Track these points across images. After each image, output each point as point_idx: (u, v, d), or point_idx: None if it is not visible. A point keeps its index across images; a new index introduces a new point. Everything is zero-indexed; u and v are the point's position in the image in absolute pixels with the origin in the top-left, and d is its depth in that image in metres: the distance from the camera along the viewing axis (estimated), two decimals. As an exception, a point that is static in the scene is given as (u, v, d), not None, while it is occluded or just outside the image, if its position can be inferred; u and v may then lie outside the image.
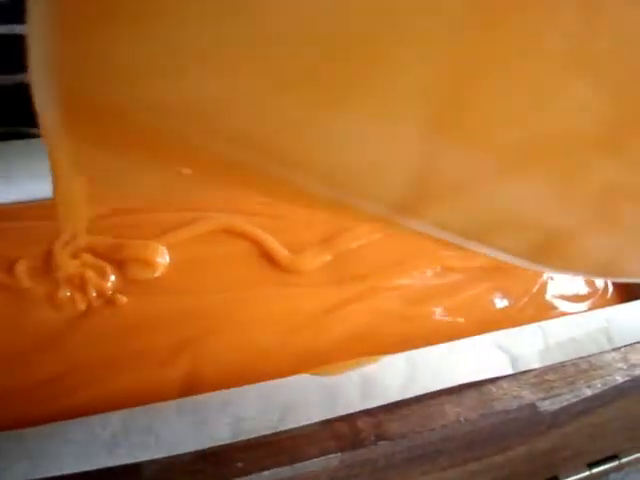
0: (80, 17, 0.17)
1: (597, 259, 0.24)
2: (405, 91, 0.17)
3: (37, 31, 0.17)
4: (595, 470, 0.45)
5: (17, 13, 0.37)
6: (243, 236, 0.38)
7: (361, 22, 0.16)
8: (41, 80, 0.18)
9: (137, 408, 0.31)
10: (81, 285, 0.34)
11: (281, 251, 0.37)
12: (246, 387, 0.32)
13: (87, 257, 0.35)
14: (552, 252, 0.23)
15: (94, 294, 0.34)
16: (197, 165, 0.22)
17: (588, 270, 0.26)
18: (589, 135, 0.18)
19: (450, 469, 0.38)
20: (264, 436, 0.31)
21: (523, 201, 0.21)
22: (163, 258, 0.36)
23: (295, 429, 0.32)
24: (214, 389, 0.32)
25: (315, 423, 0.32)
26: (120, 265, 0.35)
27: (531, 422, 0.36)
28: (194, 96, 0.18)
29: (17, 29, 0.45)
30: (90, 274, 0.34)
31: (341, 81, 0.17)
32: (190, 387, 0.32)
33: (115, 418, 0.30)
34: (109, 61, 0.18)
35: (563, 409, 0.36)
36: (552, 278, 0.42)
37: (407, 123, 0.18)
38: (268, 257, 0.38)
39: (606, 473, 0.45)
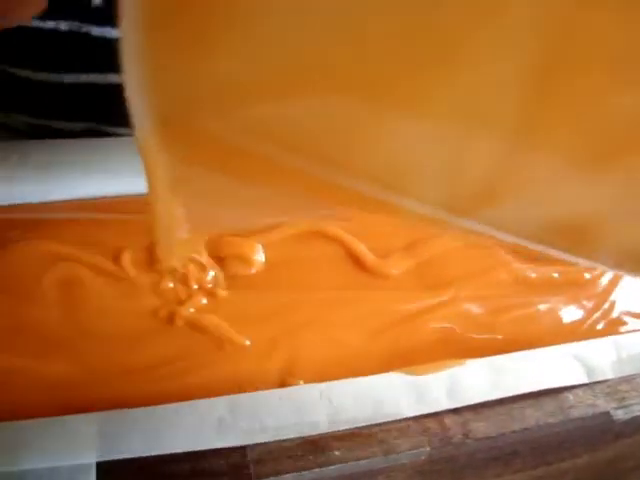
0: (173, 39, 0.17)
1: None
2: (486, 89, 0.17)
3: (132, 50, 0.17)
4: (659, 482, 0.46)
5: (110, 15, 0.38)
6: (333, 239, 0.40)
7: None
8: (136, 99, 0.18)
9: (242, 395, 0.33)
10: (183, 278, 0.36)
11: (369, 255, 0.40)
12: (342, 381, 0.34)
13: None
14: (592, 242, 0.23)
15: (195, 287, 0.36)
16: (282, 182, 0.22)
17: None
18: None
19: (520, 473, 0.40)
20: (359, 428, 0.33)
21: (586, 202, 0.21)
22: (260, 256, 0.38)
23: (388, 423, 0.33)
24: (308, 382, 0.34)
25: (406, 418, 0.34)
26: (220, 260, 0.38)
27: (602, 430, 0.38)
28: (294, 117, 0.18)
29: (111, 32, 0.47)
30: (192, 267, 0.36)
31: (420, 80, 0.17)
32: (286, 378, 0.34)
33: (222, 403, 0.32)
34: (201, 84, 0.18)
35: (634, 419, 0.37)
36: (621, 295, 0.43)
37: (488, 126, 0.18)
38: (356, 260, 0.40)
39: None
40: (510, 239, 0.23)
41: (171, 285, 0.36)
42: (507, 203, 0.22)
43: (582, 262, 0.24)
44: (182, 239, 0.25)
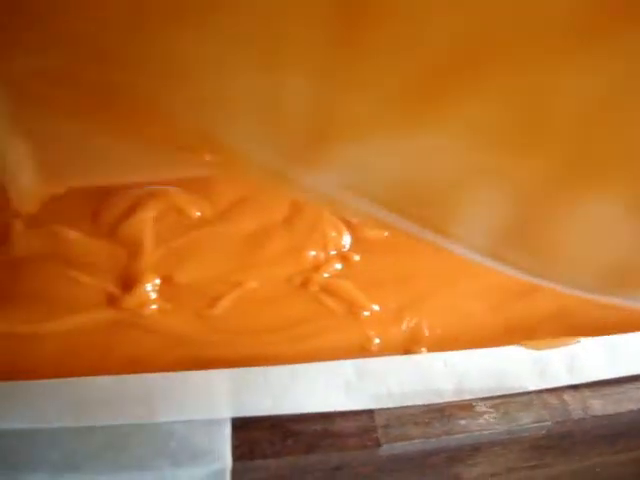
0: None
1: None
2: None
3: None
4: None
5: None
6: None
7: None
8: None
9: (369, 359, 0.33)
10: (323, 242, 0.36)
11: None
12: (466, 351, 0.34)
13: (327, 215, 0.37)
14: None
15: (333, 252, 0.36)
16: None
17: None
18: None
19: (621, 453, 0.40)
20: (482, 399, 0.33)
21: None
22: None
23: (511, 395, 0.33)
24: (433, 349, 0.34)
25: (528, 392, 0.34)
26: (350, 223, 0.38)
27: None
28: None
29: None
30: (331, 232, 0.36)
31: None
32: (410, 346, 0.34)
33: (350, 365, 0.32)
34: None
35: None
36: None
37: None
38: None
39: None
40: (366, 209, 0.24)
41: (313, 253, 0.36)
42: (337, 147, 0.22)
43: None
44: (33, 187, 0.25)
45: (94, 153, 0.25)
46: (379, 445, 0.30)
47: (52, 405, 0.29)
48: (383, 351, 0.34)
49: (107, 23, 0.19)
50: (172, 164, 0.27)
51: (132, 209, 0.37)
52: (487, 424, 0.32)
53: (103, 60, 0.20)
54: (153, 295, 0.34)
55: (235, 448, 0.29)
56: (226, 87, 0.20)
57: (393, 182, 0.22)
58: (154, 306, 0.34)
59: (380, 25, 0.18)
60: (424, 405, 0.32)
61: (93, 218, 0.37)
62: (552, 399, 0.34)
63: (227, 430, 0.30)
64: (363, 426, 0.31)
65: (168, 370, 0.31)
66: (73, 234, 0.36)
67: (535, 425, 0.33)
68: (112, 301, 0.34)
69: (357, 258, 0.37)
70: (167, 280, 0.35)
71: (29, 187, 0.24)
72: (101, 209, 0.37)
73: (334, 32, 0.18)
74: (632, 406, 0.35)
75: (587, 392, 0.35)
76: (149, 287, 0.34)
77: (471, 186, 0.22)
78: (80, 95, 0.21)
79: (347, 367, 0.32)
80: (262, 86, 0.20)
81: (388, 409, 0.32)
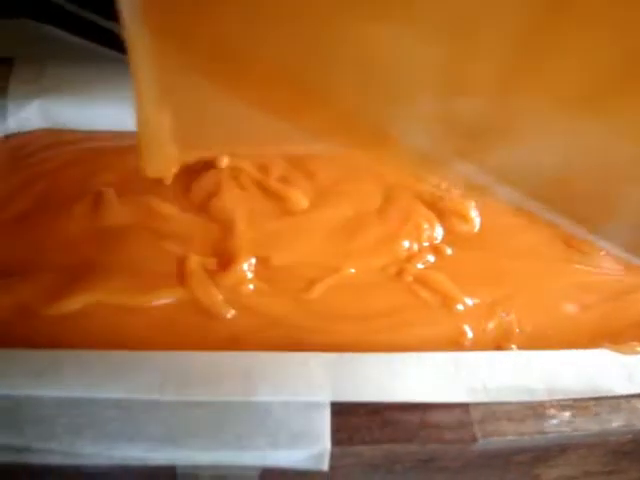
0: None
1: None
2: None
3: None
4: None
5: None
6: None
7: None
8: None
9: (465, 353, 0.33)
10: (416, 233, 0.36)
11: (571, 232, 0.39)
12: (557, 351, 0.34)
13: (420, 206, 0.37)
14: None
15: (426, 244, 0.36)
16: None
17: None
18: None
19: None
20: (573, 399, 0.33)
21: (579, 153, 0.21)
22: (476, 215, 0.38)
23: (601, 398, 0.33)
24: (522, 346, 0.34)
25: (617, 396, 0.33)
26: (440, 216, 0.38)
27: None
28: None
29: None
30: (424, 223, 0.36)
31: None
32: (501, 342, 0.34)
33: (446, 358, 0.32)
34: None
35: None
36: None
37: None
38: (560, 234, 0.40)
39: None
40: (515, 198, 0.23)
41: (406, 243, 0.36)
42: (502, 144, 0.22)
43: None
44: (168, 153, 0.25)
45: (233, 125, 0.24)
46: (476, 440, 0.30)
47: (152, 377, 0.29)
48: (475, 345, 0.34)
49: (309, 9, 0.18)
50: (309, 142, 0.27)
51: (219, 186, 0.37)
52: (578, 425, 0.32)
53: (297, 49, 0.20)
54: (249, 275, 0.34)
55: (334, 432, 0.29)
56: (414, 80, 0.20)
57: (556, 176, 0.22)
58: (250, 286, 0.33)
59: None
60: (517, 402, 0.32)
61: (184, 193, 0.37)
62: (640, 404, 0.34)
63: (327, 414, 0.29)
64: (460, 420, 0.31)
65: (263, 350, 0.31)
66: (166, 207, 0.36)
67: (624, 429, 0.33)
68: (210, 277, 0.33)
69: (449, 251, 0.37)
70: (263, 261, 0.35)
71: (165, 155, 0.24)
72: (192, 185, 0.37)
73: (535, 15, 0.18)
74: None
75: (674, 400, 0.34)
76: (246, 266, 0.34)
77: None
78: (252, 74, 0.20)
79: (445, 359, 0.32)
80: (449, 79, 0.20)
81: (483, 404, 0.31)
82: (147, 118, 0.23)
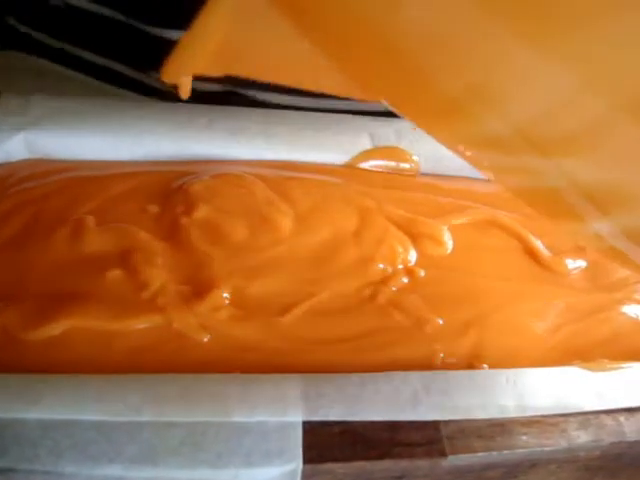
0: None
1: None
2: None
3: None
4: None
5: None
6: (510, 231, 0.41)
7: None
8: None
9: (435, 372, 0.34)
10: (391, 255, 0.38)
11: (544, 251, 0.40)
12: (527, 369, 0.35)
13: (394, 230, 0.38)
14: None
15: (400, 266, 0.37)
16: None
17: None
18: None
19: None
20: (542, 416, 0.34)
21: None
22: (449, 238, 0.39)
23: (569, 414, 0.34)
24: (494, 365, 0.35)
25: (585, 412, 0.34)
26: (414, 239, 0.39)
27: None
28: None
29: None
30: (398, 246, 0.37)
31: None
32: (473, 362, 0.35)
33: (417, 378, 0.33)
34: None
35: None
36: None
37: None
38: (531, 254, 0.41)
39: None
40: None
41: (381, 266, 0.37)
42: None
43: None
44: (196, 64, 0.26)
45: (280, 61, 0.26)
46: (445, 455, 0.31)
47: (131, 399, 0.29)
48: (447, 365, 0.34)
49: None
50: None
51: (197, 212, 0.38)
52: (548, 442, 0.33)
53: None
54: (226, 302, 0.35)
55: (306, 450, 0.30)
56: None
57: None
58: (226, 312, 0.34)
59: None
60: (487, 420, 0.33)
61: (162, 221, 0.38)
62: (609, 421, 0.35)
63: (299, 432, 0.30)
64: (429, 436, 0.32)
65: (239, 373, 0.32)
66: (145, 235, 0.37)
67: (592, 444, 0.33)
68: (186, 304, 0.34)
69: (422, 273, 0.38)
70: (240, 289, 0.35)
71: (193, 65, 0.26)
72: (170, 213, 0.38)
73: None
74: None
75: (642, 415, 0.35)
76: (222, 294, 0.35)
77: None
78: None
79: (414, 379, 0.33)
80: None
81: (452, 422, 0.32)
82: (203, 28, 0.24)
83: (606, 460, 0.36)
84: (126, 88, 0.52)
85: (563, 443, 0.33)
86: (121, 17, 0.47)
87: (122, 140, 0.42)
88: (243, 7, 0.24)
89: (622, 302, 0.39)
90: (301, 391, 0.31)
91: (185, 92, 0.28)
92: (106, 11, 0.47)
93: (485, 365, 0.35)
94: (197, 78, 0.51)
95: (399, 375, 0.33)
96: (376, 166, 0.44)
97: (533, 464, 0.34)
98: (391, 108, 0.25)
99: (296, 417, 0.31)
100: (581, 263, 0.41)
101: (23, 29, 0.53)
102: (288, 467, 0.29)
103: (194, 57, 0.26)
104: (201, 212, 0.38)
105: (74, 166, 0.41)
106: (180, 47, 0.26)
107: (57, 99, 0.43)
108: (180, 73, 0.27)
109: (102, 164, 0.41)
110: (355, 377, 0.32)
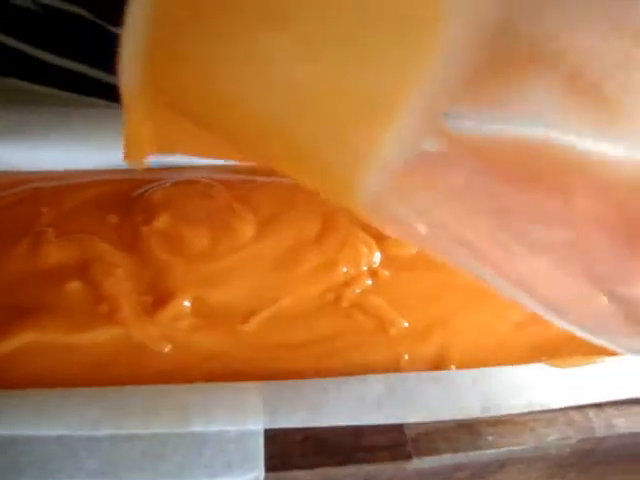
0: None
1: None
2: None
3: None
4: None
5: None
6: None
7: None
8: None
9: (399, 374, 0.33)
10: (354, 257, 0.37)
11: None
12: (493, 369, 0.34)
13: (358, 231, 0.38)
14: None
15: (364, 268, 0.37)
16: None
17: None
18: None
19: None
20: (508, 415, 0.34)
21: None
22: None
23: (537, 412, 0.34)
24: (460, 366, 0.35)
25: (553, 409, 0.34)
26: (379, 240, 0.38)
27: None
28: None
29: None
30: (362, 247, 0.37)
31: None
32: (439, 362, 0.35)
33: (380, 381, 0.33)
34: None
35: None
36: None
37: None
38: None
39: None
40: None
41: (344, 269, 0.37)
42: None
43: None
44: (145, 150, 0.29)
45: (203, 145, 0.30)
46: (410, 458, 0.31)
47: (91, 412, 0.29)
48: (412, 367, 0.34)
49: None
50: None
51: (157, 222, 0.38)
52: (515, 441, 0.33)
53: None
54: (186, 311, 0.34)
55: (268, 459, 0.30)
56: None
57: None
58: (187, 321, 0.34)
59: None
60: (453, 421, 0.32)
61: (122, 232, 0.37)
62: (577, 417, 0.34)
63: (260, 441, 0.30)
64: (394, 440, 0.32)
65: (200, 382, 0.32)
66: (103, 246, 0.36)
67: (560, 442, 0.33)
68: (145, 314, 0.34)
69: (387, 274, 0.37)
70: (200, 298, 0.35)
71: (143, 151, 0.29)
72: (130, 223, 0.38)
73: None
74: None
75: (611, 410, 0.35)
76: (182, 304, 0.34)
77: None
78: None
79: (378, 382, 0.32)
80: None
81: (417, 424, 0.32)
82: (133, 132, 0.27)
83: (577, 457, 0.35)
84: (94, 95, 0.52)
85: (531, 442, 0.33)
86: (88, 16, 0.46)
87: (84, 149, 0.42)
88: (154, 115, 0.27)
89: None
90: (262, 399, 0.31)
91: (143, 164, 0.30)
92: (73, 8, 0.47)
93: (453, 366, 0.35)
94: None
95: (363, 379, 0.33)
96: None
97: (502, 464, 0.34)
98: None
99: (257, 425, 0.31)
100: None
101: None
102: (250, 476, 0.29)
103: (141, 149, 0.29)
104: (161, 221, 0.37)
105: (34, 177, 0.40)
106: (126, 139, 0.28)
107: (20, 109, 0.43)
108: (138, 159, 0.29)
109: (63, 174, 0.41)
110: (317, 382, 0.32)
